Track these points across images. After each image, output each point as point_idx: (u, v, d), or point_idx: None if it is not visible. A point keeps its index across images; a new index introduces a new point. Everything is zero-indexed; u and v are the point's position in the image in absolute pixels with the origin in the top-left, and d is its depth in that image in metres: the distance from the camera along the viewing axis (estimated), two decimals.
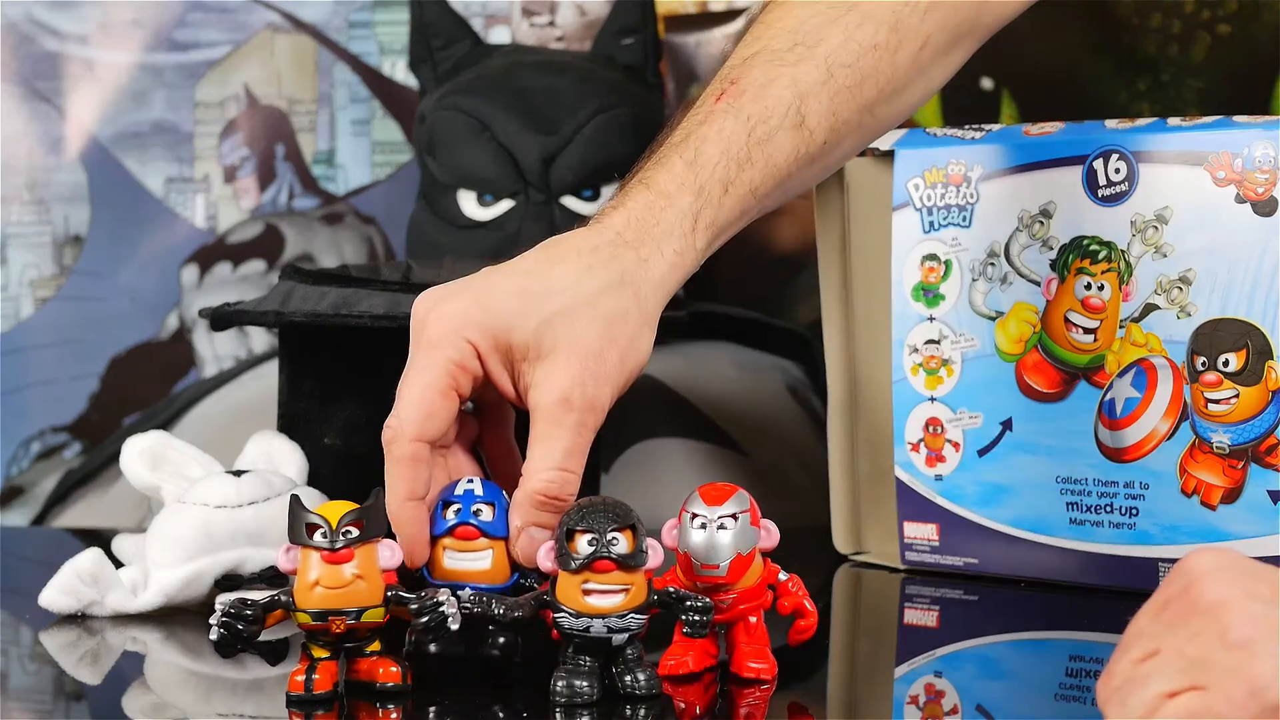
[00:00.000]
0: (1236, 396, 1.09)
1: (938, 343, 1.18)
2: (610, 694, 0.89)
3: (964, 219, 1.17)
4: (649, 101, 1.56)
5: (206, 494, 1.10)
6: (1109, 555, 1.12)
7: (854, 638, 1.12)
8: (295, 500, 0.90)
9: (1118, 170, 1.12)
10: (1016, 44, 1.74)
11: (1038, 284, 1.15)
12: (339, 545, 0.88)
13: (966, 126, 1.20)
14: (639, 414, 1.41)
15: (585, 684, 0.89)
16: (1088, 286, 1.13)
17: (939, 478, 1.18)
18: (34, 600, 1.09)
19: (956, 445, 1.18)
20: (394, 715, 0.88)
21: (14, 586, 1.24)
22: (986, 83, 1.72)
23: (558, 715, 0.87)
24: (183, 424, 1.53)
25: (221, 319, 1.17)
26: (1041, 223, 1.14)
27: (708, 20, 1.74)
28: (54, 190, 1.66)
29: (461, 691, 0.93)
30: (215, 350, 1.65)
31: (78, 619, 1.09)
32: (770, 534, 0.93)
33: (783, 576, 0.95)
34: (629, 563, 0.88)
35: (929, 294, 1.18)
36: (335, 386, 1.18)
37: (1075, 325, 1.14)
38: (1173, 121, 1.13)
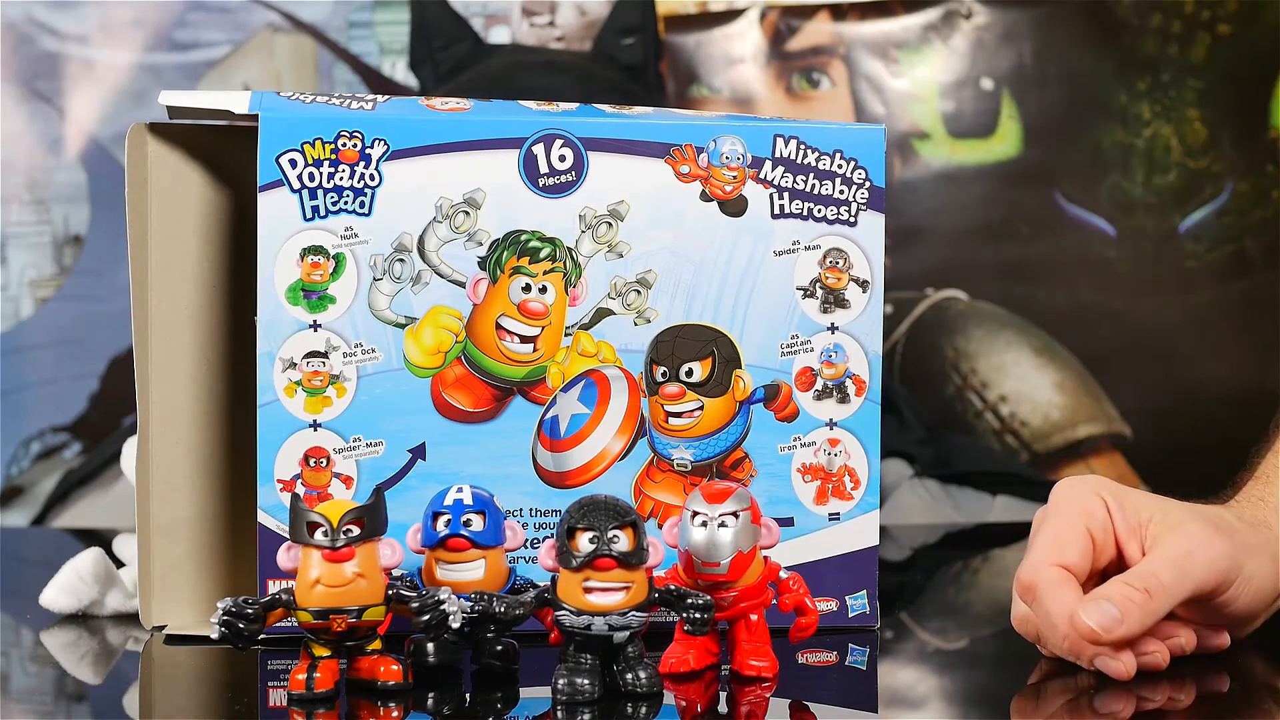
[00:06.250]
0: (701, 409, 1.02)
1: (325, 356, 1.00)
2: (611, 692, 0.89)
3: (362, 205, 1.00)
4: (649, 101, 1.56)
5: None
6: None
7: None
8: (296, 499, 0.90)
9: (562, 158, 1.01)
10: (1016, 44, 1.75)
11: (462, 285, 1.01)
12: (340, 544, 0.88)
13: (350, 95, 1.04)
14: None
15: (586, 682, 0.88)
16: (526, 288, 1.01)
17: None
18: (34, 600, 1.09)
19: (349, 481, 1.01)
20: (395, 714, 0.88)
21: (14, 586, 1.24)
22: (986, 83, 1.72)
23: (559, 713, 0.87)
24: None
25: None
26: (467, 213, 1.00)
27: (708, 20, 1.74)
28: (54, 190, 1.66)
29: (462, 689, 0.93)
30: None
31: (78, 619, 1.09)
32: (771, 532, 0.93)
33: (784, 574, 0.95)
34: (630, 560, 0.88)
35: (312, 295, 1.00)
36: None
37: (510, 333, 1.01)
38: (620, 109, 1.03)
